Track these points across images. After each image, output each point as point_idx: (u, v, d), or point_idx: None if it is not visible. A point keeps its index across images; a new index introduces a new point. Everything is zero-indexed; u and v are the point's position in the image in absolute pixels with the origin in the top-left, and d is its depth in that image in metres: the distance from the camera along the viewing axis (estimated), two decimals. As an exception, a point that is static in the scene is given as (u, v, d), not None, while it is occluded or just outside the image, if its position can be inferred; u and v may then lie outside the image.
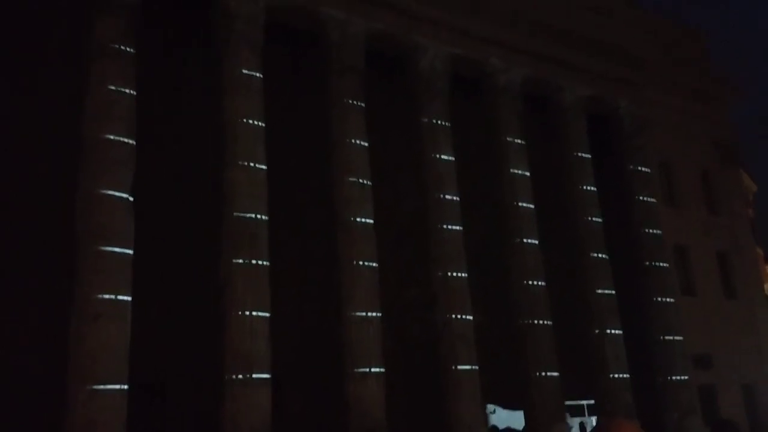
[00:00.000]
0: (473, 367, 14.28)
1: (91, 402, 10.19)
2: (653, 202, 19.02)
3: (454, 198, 15.31)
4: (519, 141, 16.75)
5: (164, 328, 13.10)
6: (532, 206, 16.32)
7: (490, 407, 15.89)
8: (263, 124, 13.29)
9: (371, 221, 14.14)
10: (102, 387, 10.26)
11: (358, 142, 14.50)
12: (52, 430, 10.14)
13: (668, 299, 17.87)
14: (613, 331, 16.44)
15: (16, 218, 12.32)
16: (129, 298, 10.97)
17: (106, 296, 10.69)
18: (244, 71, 13.32)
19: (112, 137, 11.51)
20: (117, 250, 11.01)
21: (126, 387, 10.54)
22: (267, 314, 12.17)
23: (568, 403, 15.76)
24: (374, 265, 13.84)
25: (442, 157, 15.47)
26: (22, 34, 12.77)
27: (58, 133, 12.12)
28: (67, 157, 11.49)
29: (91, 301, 10.64)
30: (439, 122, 15.68)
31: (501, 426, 15.18)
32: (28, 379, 11.59)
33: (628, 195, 18.92)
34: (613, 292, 16.83)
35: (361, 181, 14.29)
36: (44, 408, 10.70)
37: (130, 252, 11.21)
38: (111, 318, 10.67)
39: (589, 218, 17.26)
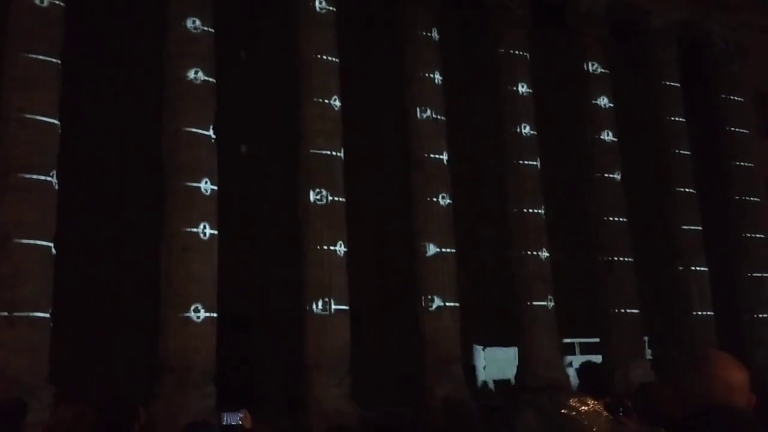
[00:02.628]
0: (549, 303, 14.22)
1: (184, 329, 10.87)
2: (745, 133, 17.91)
3: (532, 132, 14.92)
4: (602, 70, 15.99)
5: (249, 260, 13.69)
6: (615, 139, 15.71)
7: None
8: (337, 60, 13.24)
9: (445, 157, 14.03)
10: (193, 315, 10.90)
11: (431, 76, 14.26)
12: (149, 353, 10.89)
13: (758, 235, 17.05)
14: (698, 268, 15.91)
15: (109, 157, 12.96)
16: (215, 232, 11.46)
17: (193, 230, 11.20)
18: (318, 6, 13.21)
19: (192, 75, 11.79)
20: (202, 185, 11.44)
21: (215, 315, 11.15)
22: (344, 249, 12.43)
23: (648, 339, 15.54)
24: (449, 201, 13.82)
25: (520, 89, 15.01)
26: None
27: (143, 72, 12.51)
28: (154, 95, 11.88)
29: (180, 234, 11.19)
30: (517, 52, 15.13)
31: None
32: (125, 307, 12.43)
33: (717, 126, 17.88)
34: (700, 227, 16.20)
35: (435, 116, 14.12)
36: (140, 334, 11.48)
37: (215, 187, 11.62)
38: (198, 250, 11.21)
39: (677, 151, 16.46)
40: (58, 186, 10.81)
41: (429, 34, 14.42)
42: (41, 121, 10.74)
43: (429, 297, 13.25)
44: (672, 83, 16.98)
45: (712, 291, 15.98)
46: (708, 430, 2.64)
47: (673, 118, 16.75)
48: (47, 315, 10.31)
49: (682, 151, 16.53)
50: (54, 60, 11.06)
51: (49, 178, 10.67)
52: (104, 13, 13.21)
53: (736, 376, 2.73)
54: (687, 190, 16.33)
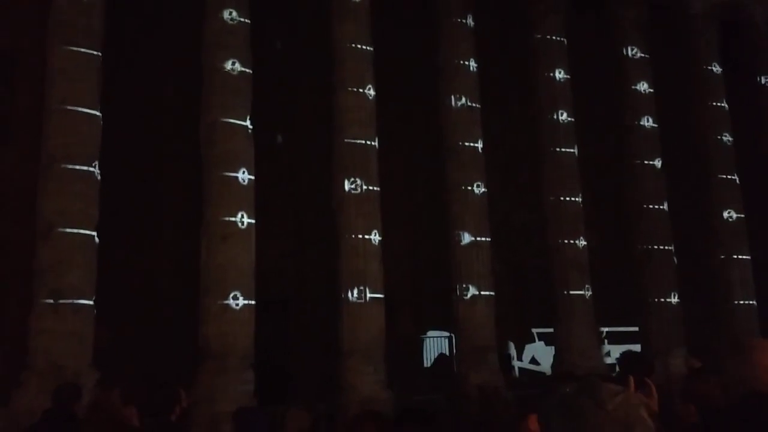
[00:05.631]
0: (586, 292, 14.07)
1: (223, 315, 11.05)
2: (789, 118, 17.37)
3: (569, 119, 14.71)
4: (642, 55, 15.65)
5: (285, 248, 13.85)
6: (655, 125, 15.38)
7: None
8: (371, 49, 13.24)
9: (480, 145, 13.94)
10: (231, 302, 11.08)
11: (466, 63, 14.14)
12: (189, 339, 11.12)
13: (803, 223, 16.57)
14: (740, 256, 15.55)
15: (149, 147, 13.23)
16: (253, 221, 11.61)
17: (232, 218, 11.37)
18: (352, -7, 13.21)
19: (229, 66, 11.91)
20: (240, 175, 11.58)
21: (253, 302, 11.32)
22: (378, 237, 12.48)
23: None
24: (483, 189, 13.74)
25: (557, 75, 14.80)
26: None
27: (181, 64, 12.70)
28: (192, 86, 12.06)
29: (218, 223, 11.36)
30: (554, 38, 14.90)
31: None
32: (166, 294, 12.71)
33: (758, 111, 17.38)
34: (743, 215, 15.82)
35: (469, 104, 14.02)
36: (181, 320, 11.73)
37: (252, 177, 11.77)
38: (237, 239, 11.37)
39: (719, 137, 16.06)
40: (101, 176, 11.06)
41: (464, 21, 14.30)
42: (83, 112, 10.97)
43: (464, 285, 13.22)
44: (713, 68, 16.55)
45: (754, 280, 15.63)
46: (753, 417, 2.60)
47: (714, 104, 16.33)
48: (91, 302, 10.58)
49: (723, 138, 16.13)
50: (95, 52, 11.29)
51: (91, 169, 10.91)
52: (143, 5, 13.43)
53: (782, 363, 2.67)
54: (729, 177, 15.94)
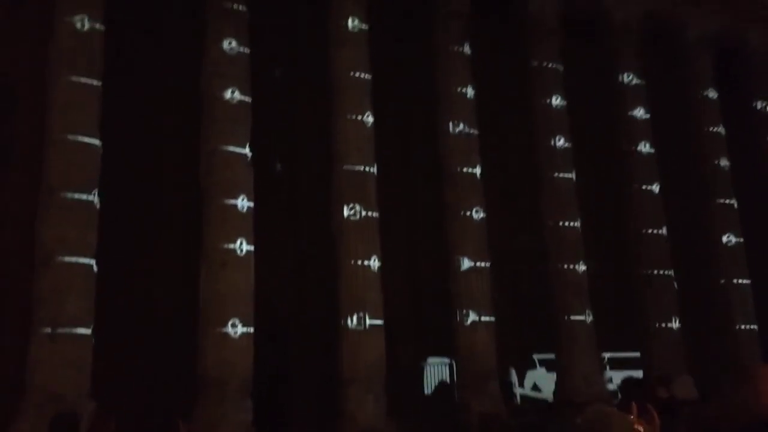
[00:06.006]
0: (587, 317, 14.00)
1: (222, 342, 11.00)
2: (785, 142, 17.48)
3: (567, 145, 14.80)
4: (638, 81, 15.82)
5: (284, 275, 13.80)
6: (652, 151, 15.49)
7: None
8: (369, 77, 13.36)
9: (478, 171, 14.00)
10: (230, 329, 11.02)
11: (463, 90, 14.27)
12: (188, 368, 11.03)
13: (802, 247, 16.57)
14: (740, 281, 15.53)
15: (149, 175, 13.26)
16: (252, 248, 11.61)
17: (231, 246, 11.37)
18: (350, 24, 13.37)
19: (229, 95, 12.02)
20: (239, 202, 11.63)
21: (252, 330, 11.26)
22: (378, 263, 12.46)
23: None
24: (482, 215, 13.76)
25: (554, 102, 14.93)
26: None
27: (181, 92, 12.81)
28: (193, 114, 12.15)
29: (217, 250, 11.38)
30: (550, 65, 15.08)
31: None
32: (164, 323, 12.63)
33: (755, 135, 17.52)
34: (741, 239, 15.83)
35: (467, 130, 14.11)
36: (180, 348, 11.64)
37: (251, 204, 11.80)
38: (235, 266, 11.37)
39: (716, 162, 16.18)
40: (99, 204, 11.07)
41: (460, 49, 14.46)
42: (83, 141, 11.04)
43: (464, 311, 13.17)
44: (709, 93, 16.73)
45: (755, 304, 15.57)
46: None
47: (711, 129, 16.47)
48: (89, 331, 10.51)
49: (721, 162, 16.24)
50: (95, 82, 11.38)
51: (90, 197, 10.94)
52: (142, 35, 13.58)
53: (786, 391, 2.65)
54: (727, 201, 16.01)
